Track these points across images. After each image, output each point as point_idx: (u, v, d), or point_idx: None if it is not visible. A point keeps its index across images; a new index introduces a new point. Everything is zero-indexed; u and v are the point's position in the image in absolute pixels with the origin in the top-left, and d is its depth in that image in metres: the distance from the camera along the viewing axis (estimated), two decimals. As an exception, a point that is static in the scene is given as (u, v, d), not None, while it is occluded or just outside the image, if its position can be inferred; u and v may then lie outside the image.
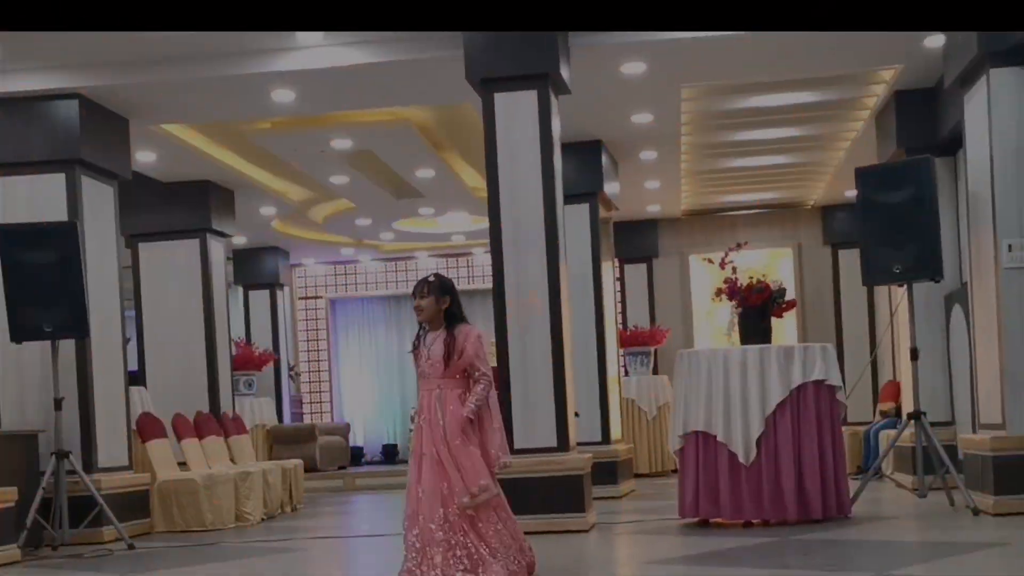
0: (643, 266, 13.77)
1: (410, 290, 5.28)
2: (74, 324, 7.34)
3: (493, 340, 6.93)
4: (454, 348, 5.06)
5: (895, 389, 10.66)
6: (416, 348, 5.17)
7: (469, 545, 4.94)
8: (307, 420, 15.50)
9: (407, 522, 5.05)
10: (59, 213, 7.73)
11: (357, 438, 16.17)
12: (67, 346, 7.66)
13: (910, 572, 5.08)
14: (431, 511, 4.97)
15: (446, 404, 5.04)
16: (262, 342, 13.94)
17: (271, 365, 13.79)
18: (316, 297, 16.48)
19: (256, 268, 14.41)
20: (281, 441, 13.27)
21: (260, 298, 14.53)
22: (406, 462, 14.57)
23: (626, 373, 12.23)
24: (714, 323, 13.40)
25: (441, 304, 5.13)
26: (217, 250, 10.64)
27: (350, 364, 16.69)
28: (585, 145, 9.66)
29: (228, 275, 11.48)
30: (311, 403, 16.35)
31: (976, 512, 6.74)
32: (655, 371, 12.56)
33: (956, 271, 8.66)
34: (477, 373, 5.06)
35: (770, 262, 13.08)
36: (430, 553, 4.93)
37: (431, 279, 5.21)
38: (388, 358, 16.57)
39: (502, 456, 5.12)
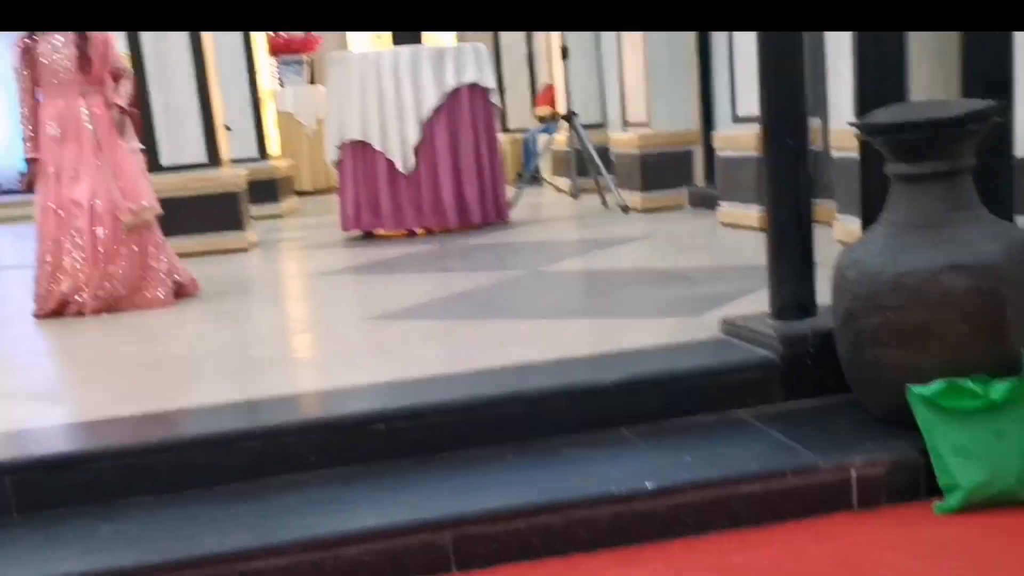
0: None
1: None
2: None
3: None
4: (92, 50, 4.69)
5: (551, 94, 10.77)
6: (29, 49, 4.67)
7: (124, 268, 4.70)
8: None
9: (40, 247, 4.74)
10: None
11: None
12: None
13: (560, 267, 5.30)
14: (79, 229, 4.65)
15: (92, 110, 4.76)
16: None
17: None
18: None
19: None
20: None
21: None
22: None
23: (281, 85, 11.70)
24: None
25: None
26: None
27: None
28: None
29: None
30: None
31: (626, 210, 7.04)
32: (312, 81, 12.08)
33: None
34: (125, 71, 4.91)
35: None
36: (75, 273, 4.66)
37: None
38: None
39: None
